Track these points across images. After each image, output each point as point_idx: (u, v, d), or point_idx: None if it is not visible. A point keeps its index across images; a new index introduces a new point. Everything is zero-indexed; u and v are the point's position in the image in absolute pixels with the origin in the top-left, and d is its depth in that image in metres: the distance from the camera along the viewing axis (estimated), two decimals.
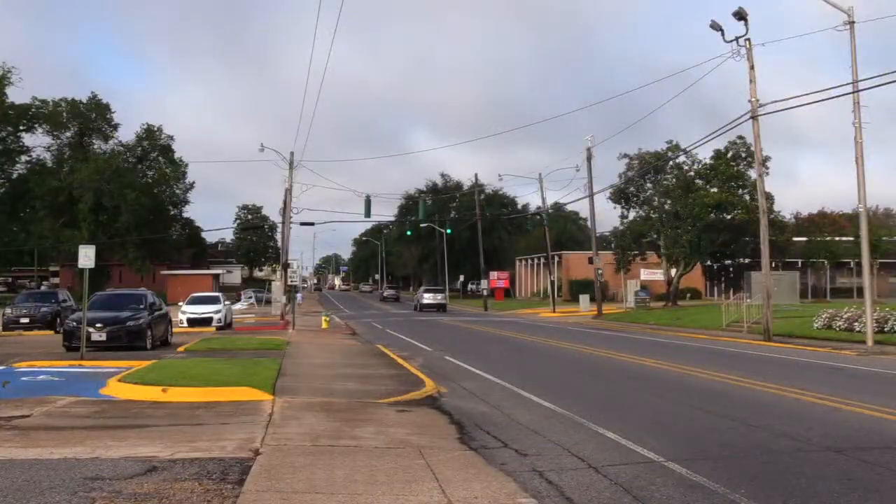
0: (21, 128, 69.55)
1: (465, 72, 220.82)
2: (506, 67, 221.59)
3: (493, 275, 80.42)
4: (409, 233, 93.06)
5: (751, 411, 11.30)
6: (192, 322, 34.40)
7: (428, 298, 60.33)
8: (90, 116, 74.10)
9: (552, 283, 60.02)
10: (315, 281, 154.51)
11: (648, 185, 54.48)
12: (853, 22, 22.61)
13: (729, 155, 49.95)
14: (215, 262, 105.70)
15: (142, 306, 23.61)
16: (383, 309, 65.45)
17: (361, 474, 7.34)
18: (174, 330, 27.64)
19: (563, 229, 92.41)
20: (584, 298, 55.43)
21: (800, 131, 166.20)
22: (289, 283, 40.92)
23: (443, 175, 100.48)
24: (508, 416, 11.15)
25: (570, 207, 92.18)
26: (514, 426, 10.37)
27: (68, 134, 74.40)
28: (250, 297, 67.99)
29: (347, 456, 8.13)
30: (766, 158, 41.58)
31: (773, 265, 40.07)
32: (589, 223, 57.23)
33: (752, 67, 26.98)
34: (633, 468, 7.83)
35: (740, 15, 26.24)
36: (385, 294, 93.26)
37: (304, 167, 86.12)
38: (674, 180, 52.43)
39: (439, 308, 58.87)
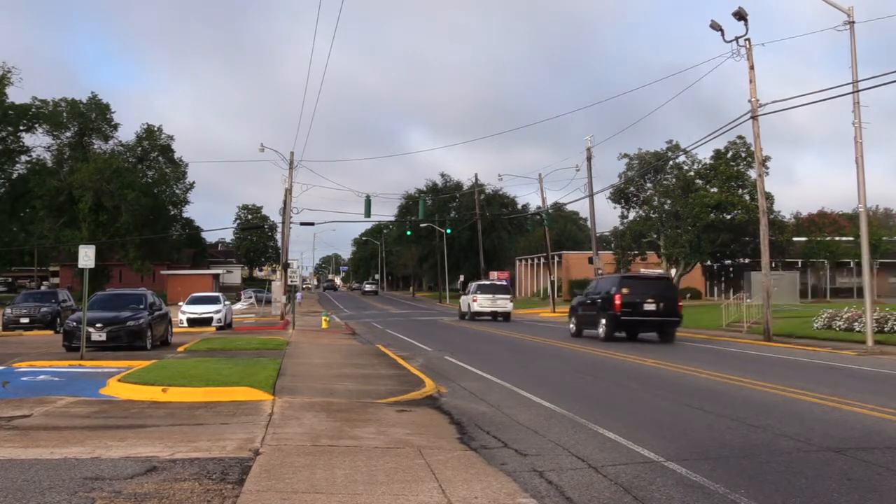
0: (21, 128, 69.43)
1: (464, 72, 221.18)
2: (506, 67, 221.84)
3: (493, 274, 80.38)
4: (409, 233, 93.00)
5: (751, 411, 11.30)
6: (192, 322, 34.42)
7: (367, 287, 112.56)
8: (90, 116, 74.00)
9: (552, 283, 60.01)
10: (315, 282, 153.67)
11: (648, 185, 54.46)
12: (853, 22, 22.61)
13: (729, 155, 49.91)
14: (215, 262, 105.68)
15: (142, 306, 23.61)
16: (384, 308, 65.72)
17: (361, 474, 7.34)
18: (174, 330, 27.64)
19: (563, 229, 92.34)
20: None
21: (800, 131, 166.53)
22: (289, 283, 40.93)
23: (443, 175, 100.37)
24: (508, 416, 11.14)
25: (570, 207, 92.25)
26: (514, 426, 10.36)
27: (68, 134, 74.31)
28: (250, 297, 67.94)
29: (347, 456, 8.13)
30: (766, 158, 41.60)
31: (773, 265, 40.08)
32: (589, 223, 57.26)
33: (751, 67, 27.01)
34: (633, 468, 7.82)
35: (740, 15, 26.26)
36: (353, 286, 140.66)
37: (304, 167, 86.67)
38: (674, 180, 52.42)
39: (375, 293, 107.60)
